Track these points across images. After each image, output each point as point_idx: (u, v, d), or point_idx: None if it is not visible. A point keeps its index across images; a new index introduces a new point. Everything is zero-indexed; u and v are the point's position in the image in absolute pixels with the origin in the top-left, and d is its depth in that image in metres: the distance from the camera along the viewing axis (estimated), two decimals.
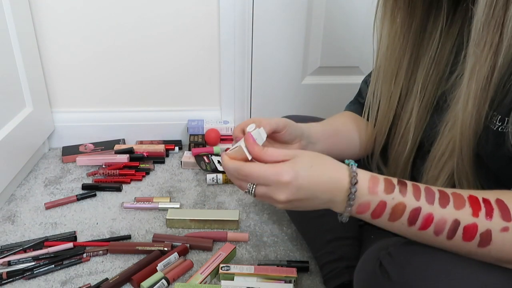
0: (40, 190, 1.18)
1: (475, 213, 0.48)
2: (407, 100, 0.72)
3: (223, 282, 0.84)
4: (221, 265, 0.87)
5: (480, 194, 0.49)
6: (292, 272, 0.85)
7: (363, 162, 0.83)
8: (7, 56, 1.14)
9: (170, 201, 1.13)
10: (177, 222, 1.03)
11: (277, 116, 0.73)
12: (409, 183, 0.52)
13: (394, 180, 0.52)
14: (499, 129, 0.53)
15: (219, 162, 1.26)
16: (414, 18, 0.67)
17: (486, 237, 0.47)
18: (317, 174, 0.52)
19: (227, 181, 1.22)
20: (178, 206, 1.11)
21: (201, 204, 1.14)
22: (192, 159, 1.30)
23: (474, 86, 0.53)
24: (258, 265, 0.90)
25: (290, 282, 0.84)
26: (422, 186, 0.51)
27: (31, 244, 0.94)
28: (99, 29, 1.30)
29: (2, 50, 1.11)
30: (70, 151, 1.35)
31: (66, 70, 1.34)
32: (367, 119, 0.80)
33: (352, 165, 0.53)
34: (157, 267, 0.87)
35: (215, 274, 0.88)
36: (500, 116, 0.53)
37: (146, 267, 0.88)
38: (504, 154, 0.53)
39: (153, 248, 0.93)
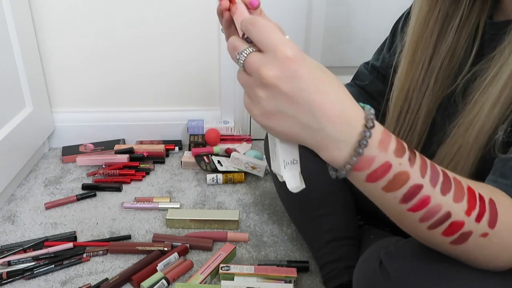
0: (40, 190, 1.18)
1: (469, 211, 0.43)
2: (420, 90, 0.70)
3: (223, 282, 0.84)
4: (221, 265, 0.87)
5: (477, 188, 0.45)
6: (292, 272, 0.85)
7: None
8: (7, 56, 1.14)
9: (170, 201, 1.13)
10: (177, 222, 1.03)
11: None
12: (418, 154, 0.44)
13: (405, 144, 0.44)
14: None
15: (219, 162, 1.26)
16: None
17: (464, 237, 0.44)
18: (328, 85, 0.41)
19: (227, 181, 1.21)
20: (178, 206, 1.11)
21: (201, 204, 1.14)
22: (192, 159, 1.30)
23: (500, 90, 0.52)
24: (258, 265, 0.90)
25: (290, 282, 0.84)
26: (428, 161, 0.44)
27: (31, 244, 0.94)
28: (99, 28, 1.30)
29: (2, 50, 1.11)
30: (70, 151, 1.35)
31: (66, 69, 1.34)
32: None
33: (369, 107, 0.42)
34: (157, 267, 0.87)
35: (215, 274, 0.88)
36: None
37: (146, 267, 0.88)
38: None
39: (153, 248, 0.93)
